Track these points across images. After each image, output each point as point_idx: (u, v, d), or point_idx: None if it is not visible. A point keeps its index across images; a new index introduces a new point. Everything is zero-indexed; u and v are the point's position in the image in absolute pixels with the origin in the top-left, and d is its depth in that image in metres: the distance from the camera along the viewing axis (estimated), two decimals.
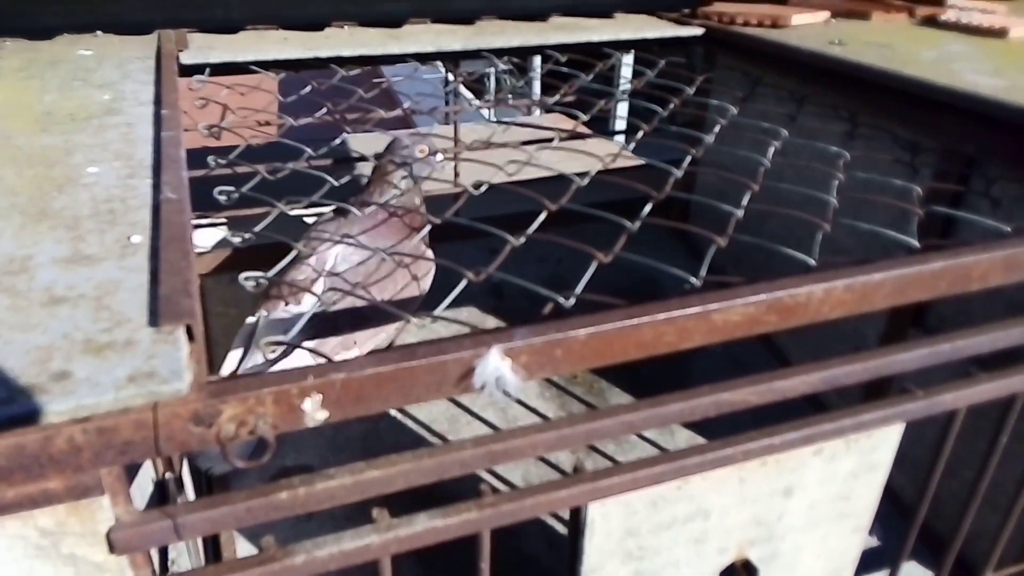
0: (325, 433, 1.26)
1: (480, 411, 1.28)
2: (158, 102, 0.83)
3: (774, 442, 0.64)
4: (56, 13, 1.16)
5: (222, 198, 0.78)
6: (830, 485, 0.72)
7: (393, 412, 1.29)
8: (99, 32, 1.17)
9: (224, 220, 1.29)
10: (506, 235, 0.72)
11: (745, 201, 0.76)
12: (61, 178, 0.64)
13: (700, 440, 1.25)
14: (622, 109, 3.48)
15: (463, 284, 0.65)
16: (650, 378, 0.98)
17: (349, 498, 0.51)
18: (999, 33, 1.23)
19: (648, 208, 0.75)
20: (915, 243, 0.70)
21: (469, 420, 1.25)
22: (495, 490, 0.57)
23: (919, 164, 0.99)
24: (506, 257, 0.70)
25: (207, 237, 1.37)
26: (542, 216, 0.77)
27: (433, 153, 1.10)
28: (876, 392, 1.15)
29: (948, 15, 1.33)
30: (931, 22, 1.35)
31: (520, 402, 1.26)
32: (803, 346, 1.38)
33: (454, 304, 1.50)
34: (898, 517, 0.96)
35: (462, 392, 0.51)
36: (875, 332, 1.16)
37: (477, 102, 3.10)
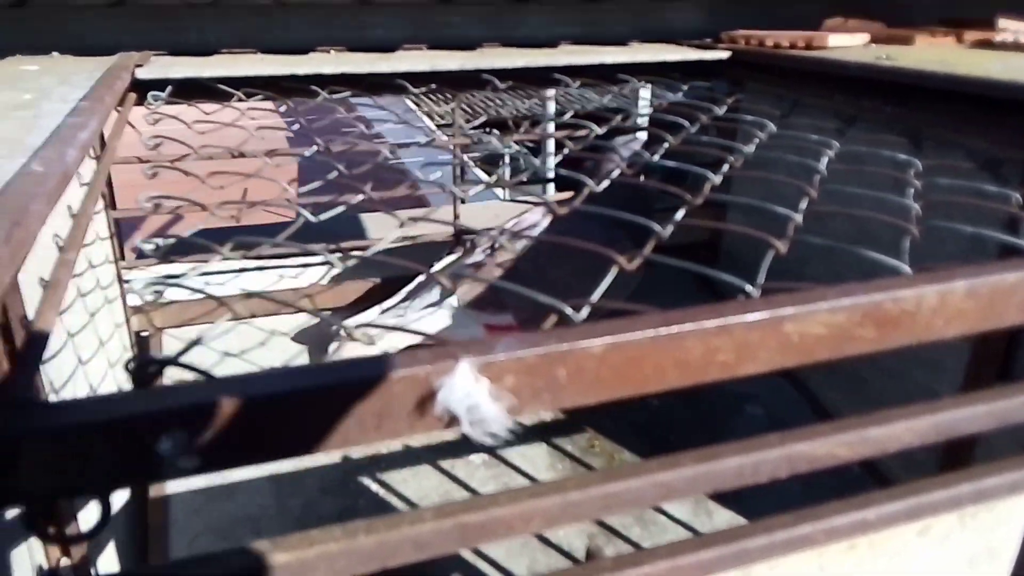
0: (294, 511, 1.07)
1: (480, 485, 1.09)
2: (85, 99, 0.69)
3: (867, 517, 0.47)
4: (10, 32, 1.05)
5: (148, 247, 0.64)
6: None
7: (375, 488, 1.10)
8: (55, 53, 1.05)
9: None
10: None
11: (804, 205, 0.60)
12: None
13: (741, 521, 1.05)
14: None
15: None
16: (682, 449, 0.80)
17: None
18: None
19: (682, 213, 0.59)
20: None
21: (466, 496, 1.06)
22: None
23: (1007, 174, 0.83)
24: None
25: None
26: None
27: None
28: (955, 460, 0.95)
29: (1004, 36, 1.20)
30: (984, 45, 1.21)
31: (526, 474, 1.07)
32: (854, 406, 1.19)
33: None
34: None
35: (420, 430, 0.34)
36: (951, 388, 0.97)
37: (485, 181, 2.99)
